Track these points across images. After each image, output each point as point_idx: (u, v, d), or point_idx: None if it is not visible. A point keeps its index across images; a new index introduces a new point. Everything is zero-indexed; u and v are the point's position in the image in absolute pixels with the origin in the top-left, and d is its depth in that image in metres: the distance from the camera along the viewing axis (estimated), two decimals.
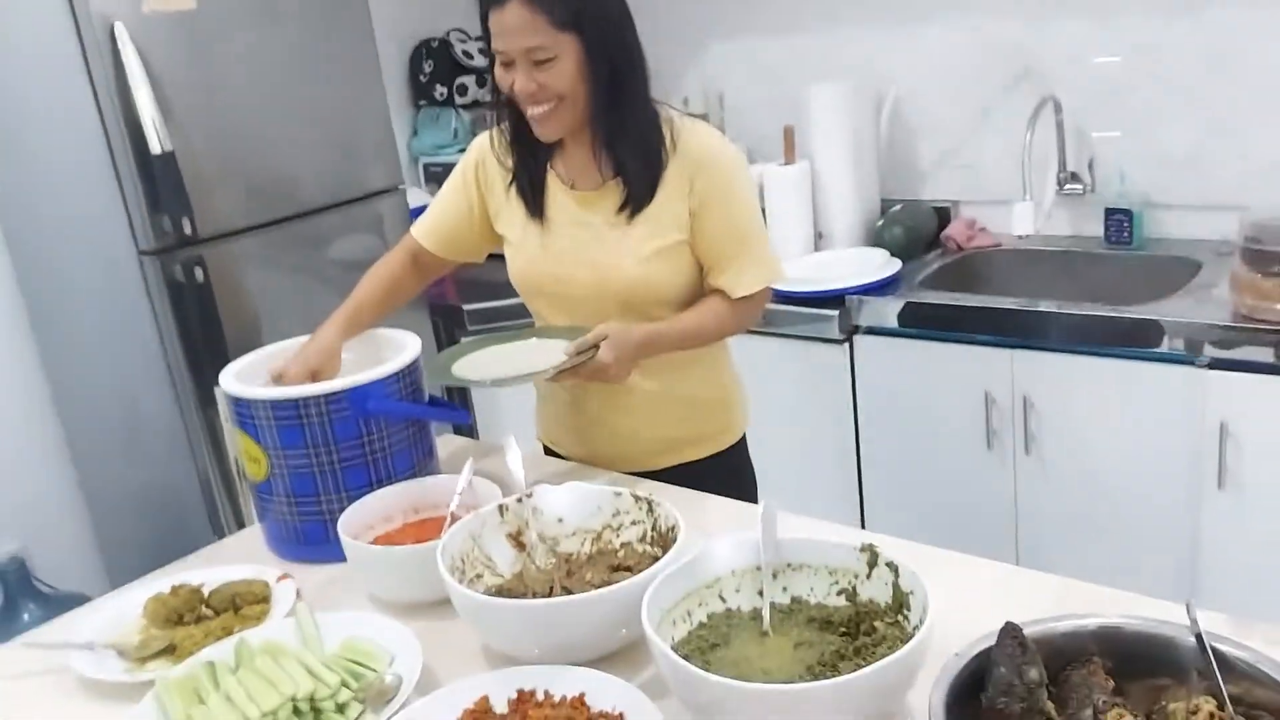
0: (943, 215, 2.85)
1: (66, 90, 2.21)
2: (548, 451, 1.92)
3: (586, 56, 1.56)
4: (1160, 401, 2.12)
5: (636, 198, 1.64)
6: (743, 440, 1.86)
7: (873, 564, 1.22)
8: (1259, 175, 2.41)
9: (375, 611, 1.43)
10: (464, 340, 1.74)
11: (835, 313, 2.48)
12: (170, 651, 1.39)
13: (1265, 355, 1.98)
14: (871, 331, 2.48)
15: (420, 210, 3.12)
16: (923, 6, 2.78)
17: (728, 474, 1.80)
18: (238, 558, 1.63)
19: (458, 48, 3.40)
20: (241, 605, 1.46)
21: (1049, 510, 2.34)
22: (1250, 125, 2.41)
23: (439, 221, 1.84)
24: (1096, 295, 2.50)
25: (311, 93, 2.53)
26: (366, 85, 2.65)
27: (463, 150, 3.31)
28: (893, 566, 1.20)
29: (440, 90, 3.37)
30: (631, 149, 1.63)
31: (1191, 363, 2.07)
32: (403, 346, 1.70)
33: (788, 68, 3.02)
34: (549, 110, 1.59)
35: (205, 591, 1.49)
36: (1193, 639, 1.01)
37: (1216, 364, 2.03)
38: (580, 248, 1.68)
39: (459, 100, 3.39)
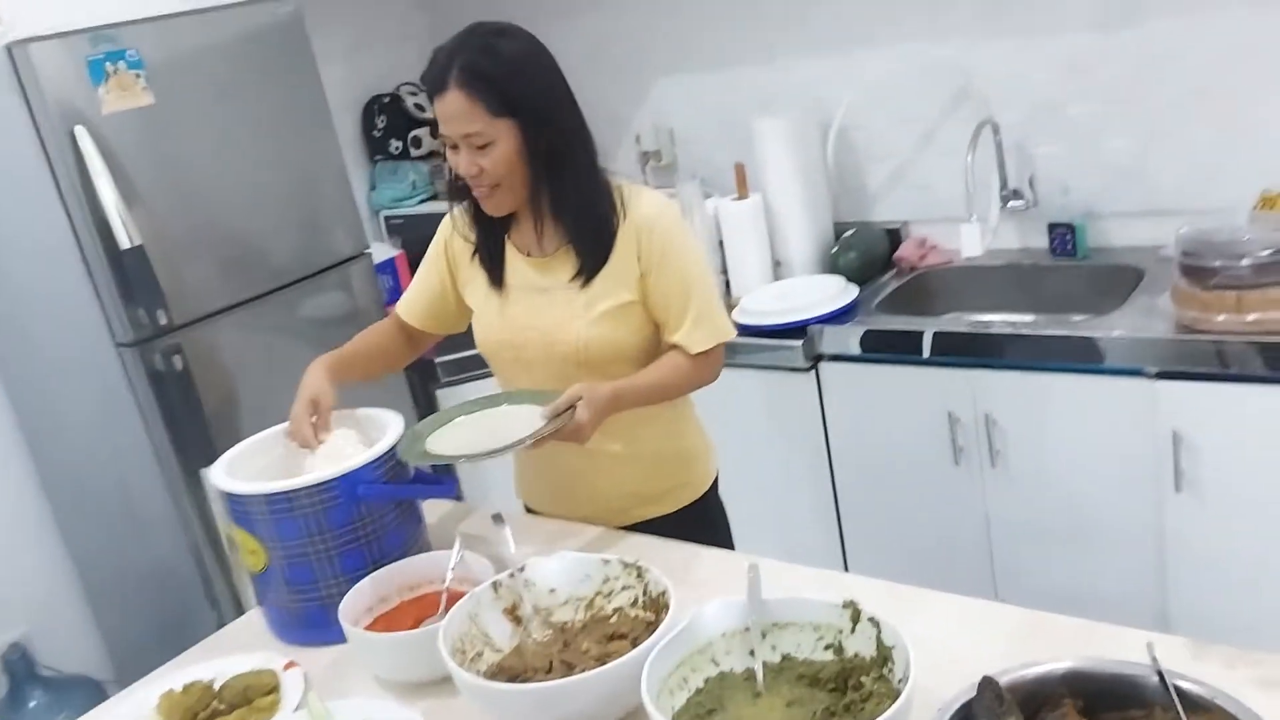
0: (894, 236, 2.93)
1: (33, 196, 2.25)
2: (528, 510, 1.99)
3: (524, 140, 1.64)
4: (1114, 412, 2.21)
5: (588, 265, 1.72)
6: (713, 488, 1.92)
7: (856, 619, 1.29)
8: (1198, 178, 2.50)
9: (382, 693, 1.48)
10: (434, 415, 1.77)
11: (799, 342, 2.55)
12: None
13: (1210, 364, 2.07)
14: (836, 358, 2.55)
15: (387, 264, 3.18)
16: (859, 34, 2.86)
17: (701, 524, 1.86)
18: (242, 644, 1.67)
19: (409, 101, 3.45)
20: (254, 697, 1.50)
21: (1018, 521, 2.42)
22: (1186, 130, 2.49)
23: (417, 297, 1.93)
24: (1045, 306, 2.60)
25: (271, 167, 2.57)
26: (324, 153, 2.69)
27: (423, 200, 3.42)
28: (874, 622, 1.27)
29: (395, 144, 3.41)
30: (578, 219, 1.71)
31: (1141, 374, 2.16)
32: (385, 425, 1.74)
33: (733, 100, 3.09)
34: (489, 190, 1.68)
35: (216, 686, 1.52)
36: (1155, 676, 1.09)
37: (1165, 375, 2.12)
38: (534, 312, 1.77)
39: (414, 152, 3.43)
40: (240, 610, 2.42)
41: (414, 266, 3.28)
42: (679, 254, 1.73)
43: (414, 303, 1.94)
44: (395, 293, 3.19)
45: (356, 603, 1.57)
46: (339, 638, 1.57)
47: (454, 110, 1.62)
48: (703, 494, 1.89)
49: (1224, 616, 2.17)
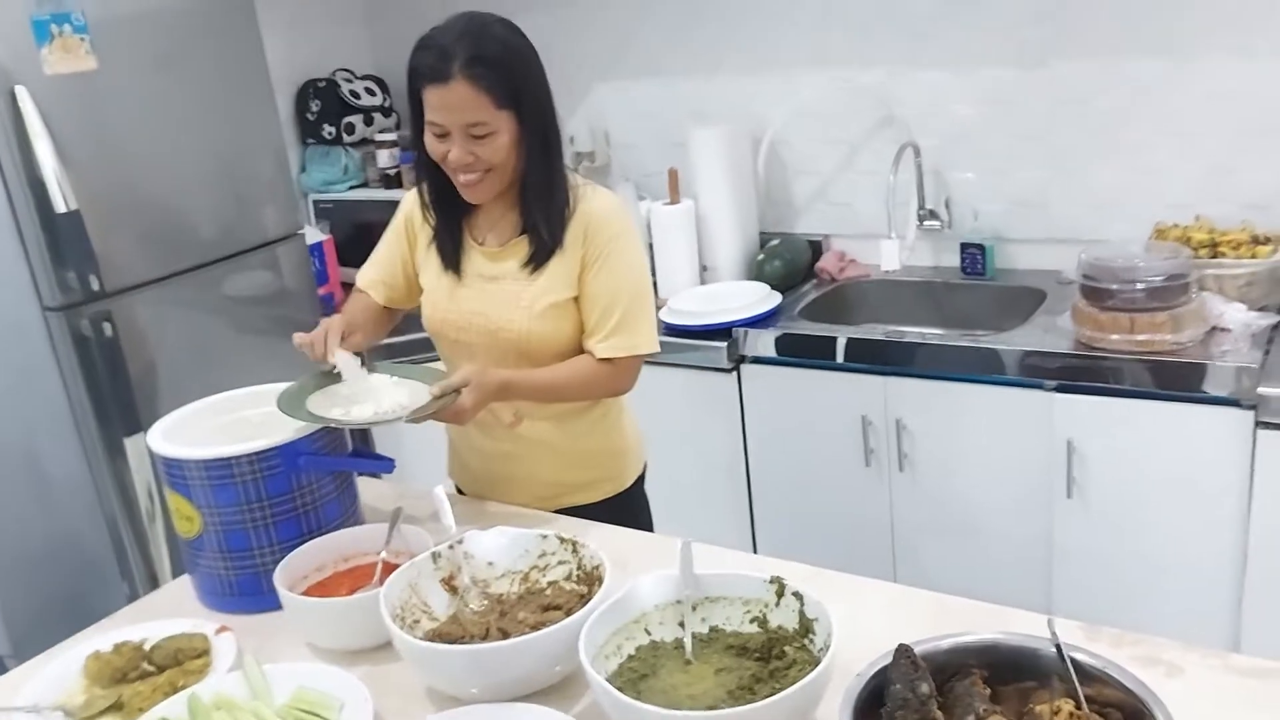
0: (816, 248, 3.05)
1: None
2: (460, 491, 2.03)
3: (521, 131, 1.68)
4: (1015, 421, 2.36)
5: (539, 253, 1.76)
6: (638, 481, 1.98)
7: (780, 594, 1.37)
8: (1095, 211, 2.69)
9: (317, 660, 1.50)
10: (321, 373, 1.77)
11: (724, 344, 2.64)
12: (118, 709, 1.42)
13: (1104, 380, 2.23)
14: (757, 361, 2.65)
15: (315, 248, 3.17)
16: (793, 56, 2.97)
17: (624, 515, 1.91)
18: (168, 611, 1.66)
19: (344, 87, 3.45)
20: (184, 659, 1.50)
21: (921, 521, 2.56)
22: (1088, 167, 2.68)
23: (378, 271, 1.95)
24: (955, 321, 2.74)
25: (211, 140, 2.56)
26: (263, 130, 2.69)
27: (353, 186, 3.42)
28: (799, 596, 1.35)
29: (328, 130, 3.41)
30: (537, 207, 1.75)
31: (1040, 387, 2.31)
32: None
33: (668, 108, 3.18)
34: (479, 178, 1.70)
35: (147, 647, 1.51)
36: (1054, 649, 1.20)
37: (1063, 388, 2.28)
38: (482, 299, 1.80)
39: (347, 139, 3.43)
40: (155, 584, 2.40)
41: (341, 251, 3.34)
42: (617, 259, 1.76)
43: (374, 276, 1.95)
44: (322, 276, 3.20)
45: (292, 570, 1.59)
46: (271, 606, 1.59)
47: (458, 100, 1.63)
48: (628, 487, 1.95)
49: (1103, 612, 2.32)
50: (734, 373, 2.68)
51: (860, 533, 2.62)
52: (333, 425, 1.66)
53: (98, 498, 2.41)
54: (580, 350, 1.81)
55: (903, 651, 1.19)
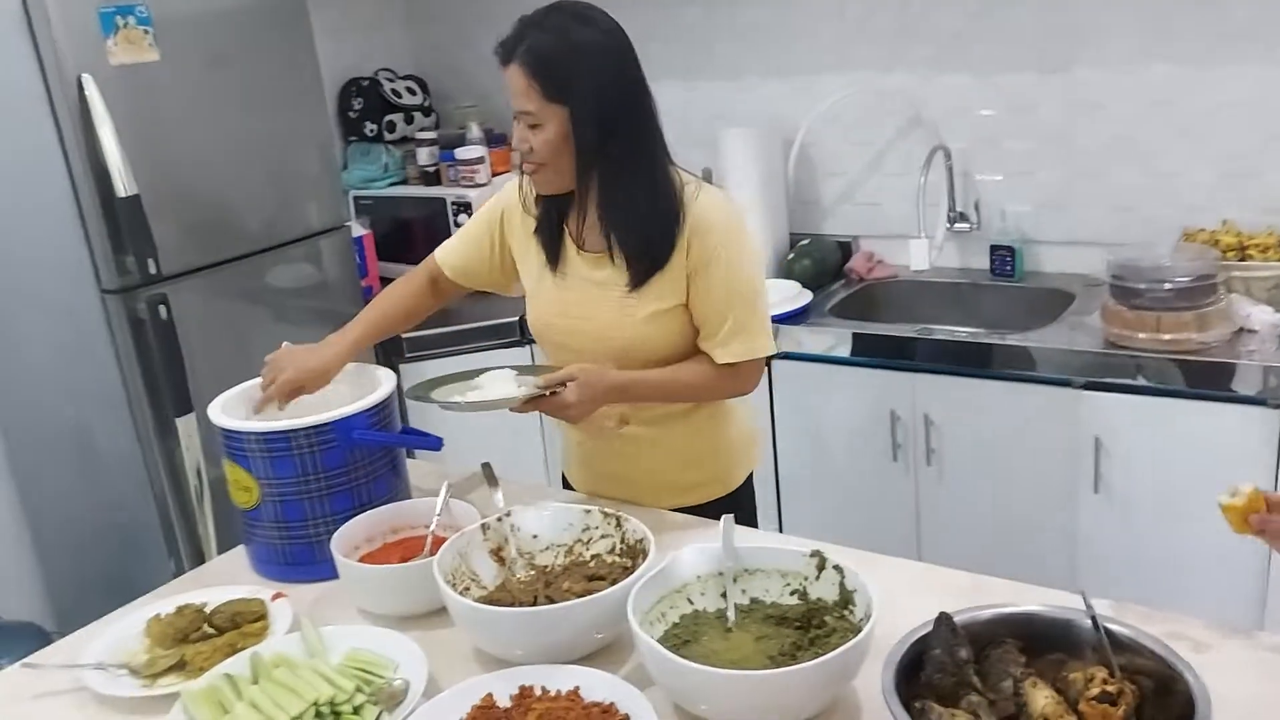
0: (845, 249, 3.09)
1: (33, 137, 2.29)
2: (565, 484, 2.02)
3: (573, 128, 1.62)
4: (1043, 418, 2.40)
5: (637, 273, 1.69)
6: (747, 482, 1.94)
7: (821, 567, 1.42)
8: (1117, 214, 2.73)
9: (368, 625, 1.54)
10: (456, 373, 1.81)
11: None
12: (180, 668, 1.47)
13: (1131, 378, 2.27)
14: (788, 357, 2.70)
15: (355, 242, 3.24)
16: (821, 62, 3.02)
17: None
18: (224, 580, 1.72)
19: (386, 87, 3.52)
20: (242, 623, 1.55)
21: (947, 515, 2.60)
22: (1111, 170, 2.72)
23: (461, 251, 1.92)
24: (984, 322, 2.78)
25: (263, 134, 2.63)
26: (313, 127, 2.76)
27: (393, 184, 3.49)
28: (839, 569, 1.40)
29: (370, 127, 3.48)
30: (630, 224, 1.68)
31: (1069, 384, 2.36)
32: (377, 380, 1.83)
33: (694, 112, 3.22)
34: (535, 169, 1.69)
35: (208, 610, 1.57)
36: (1088, 621, 1.23)
37: (1090, 385, 2.32)
38: (588, 304, 1.75)
39: (388, 136, 3.51)
40: (200, 561, 2.46)
41: (380, 246, 3.41)
42: (727, 261, 1.67)
43: (456, 256, 1.92)
44: (362, 270, 3.27)
45: (345, 540, 1.64)
46: (322, 575, 1.66)
47: (514, 86, 1.62)
48: (734, 490, 1.90)
49: (1131, 604, 2.36)
50: (765, 369, 2.73)
51: (887, 526, 2.66)
52: (446, 407, 1.69)
53: (148, 476, 2.48)
54: (682, 355, 1.75)
55: (943, 619, 1.24)
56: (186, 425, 2.38)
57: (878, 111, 2.99)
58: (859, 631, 1.29)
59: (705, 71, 3.22)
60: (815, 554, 1.43)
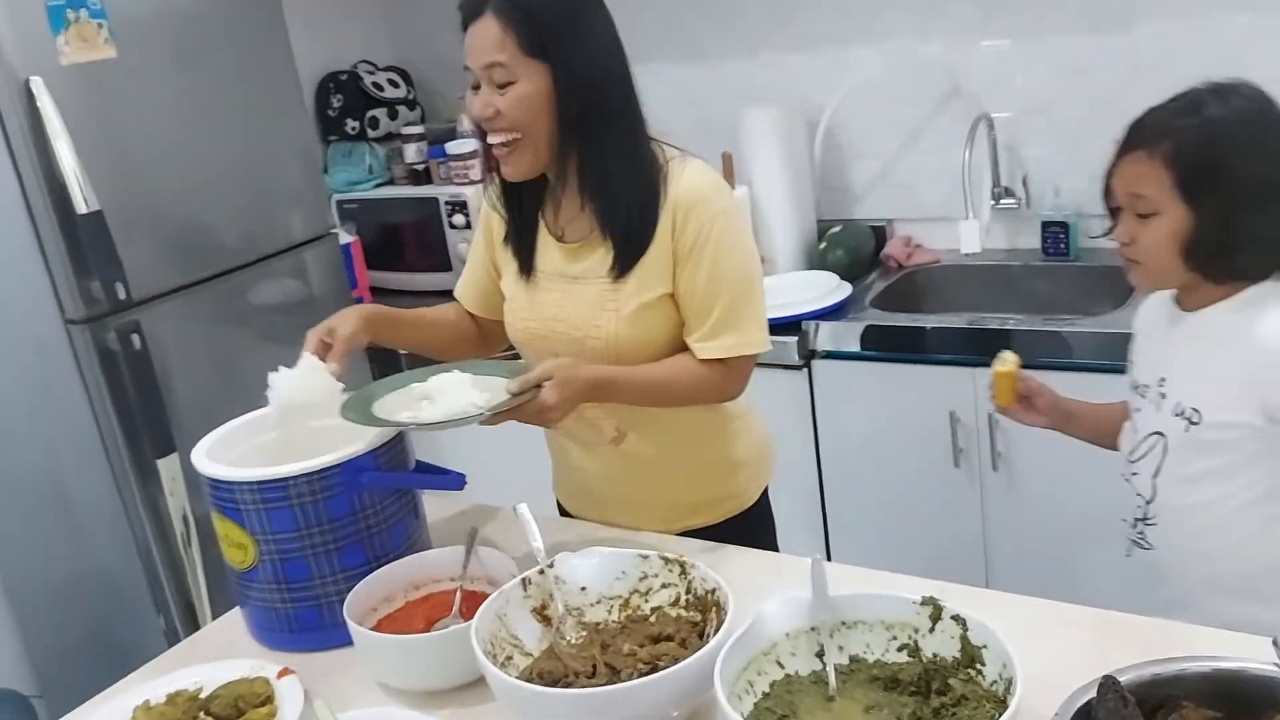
0: (879, 234, 2.89)
1: None
2: (562, 512, 1.84)
3: (554, 90, 1.47)
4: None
5: (622, 258, 1.55)
6: (762, 497, 1.79)
7: (936, 618, 1.20)
8: None
9: (392, 702, 1.35)
10: (390, 378, 1.59)
11: (793, 339, 2.47)
12: None
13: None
14: (830, 356, 2.49)
15: (345, 250, 3.01)
16: (847, 33, 2.81)
17: (745, 536, 1.69)
18: (220, 651, 1.51)
19: (367, 79, 3.29)
20: (246, 709, 1.34)
21: (1019, 527, 2.39)
22: None
23: (469, 278, 1.79)
24: (1038, 306, 2.57)
25: (237, 136, 2.41)
26: (292, 127, 2.55)
27: (379, 185, 3.26)
28: (959, 620, 1.18)
29: (351, 125, 3.24)
30: (617, 202, 1.53)
31: None
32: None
33: (713, 93, 3.01)
34: (508, 144, 1.51)
35: (203, 696, 1.36)
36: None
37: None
38: (564, 303, 1.61)
39: (372, 134, 3.27)
40: (191, 615, 2.25)
41: (370, 254, 3.18)
42: (716, 244, 1.53)
43: (466, 285, 1.79)
44: (351, 281, 3.03)
45: (360, 601, 1.43)
46: (335, 642, 1.45)
47: (484, 39, 1.46)
48: (749, 507, 1.75)
49: (1038, 585, 2.14)
50: (804, 369, 2.51)
51: (948, 541, 2.44)
52: (401, 428, 1.48)
53: (129, 524, 2.25)
54: (671, 353, 1.61)
55: (1110, 685, 1.02)
56: (169, 466, 2.16)
57: (912, 83, 2.77)
58: (996, 699, 1.09)
59: (721, 47, 3.00)
60: (928, 601, 1.21)
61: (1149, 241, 1.39)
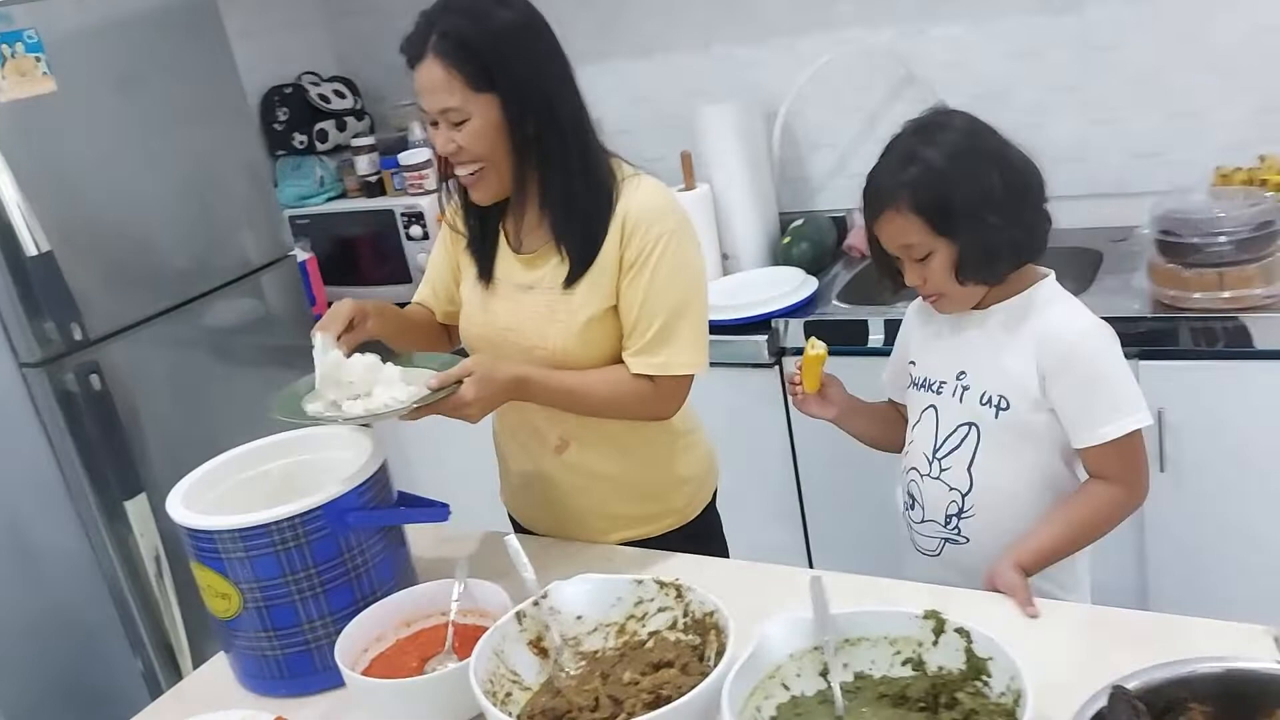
0: (840, 225, 2.87)
1: None
2: (513, 522, 1.85)
3: (505, 118, 1.49)
4: None
5: (576, 265, 1.57)
6: (708, 508, 1.81)
7: (939, 631, 1.20)
8: (1139, 161, 2.53)
9: None
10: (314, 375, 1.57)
11: (763, 337, 2.45)
12: None
13: (1191, 343, 2.07)
14: (800, 352, 2.46)
15: (301, 268, 2.94)
16: (796, 23, 2.79)
17: (689, 546, 1.71)
18: (210, 700, 1.48)
19: (312, 92, 3.21)
20: None
21: None
22: (1127, 114, 2.53)
23: (431, 281, 1.80)
24: None
25: (185, 160, 2.34)
26: (241, 145, 2.48)
27: (331, 198, 3.18)
28: (963, 632, 1.18)
29: (299, 138, 3.17)
30: (571, 213, 1.56)
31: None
32: (360, 447, 1.57)
33: (666, 88, 2.99)
34: (475, 173, 1.54)
35: None
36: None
37: (1146, 355, 2.11)
38: (515, 312, 1.64)
39: (320, 147, 3.19)
40: (170, 657, 2.18)
41: (325, 270, 3.10)
42: (659, 261, 1.54)
43: (429, 289, 1.80)
44: (311, 298, 2.96)
45: (352, 642, 1.39)
46: (326, 685, 1.43)
47: (430, 81, 1.48)
48: (693, 519, 1.77)
49: (1201, 597, 2.17)
50: (775, 367, 2.49)
51: None
52: (321, 423, 1.47)
53: (99, 570, 2.18)
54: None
55: (1121, 696, 1.03)
56: (137, 508, 2.09)
57: (866, 73, 2.75)
58: (1005, 712, 1.09)
59: (671, 41, 2.97)
60: (931, 615, 1.20)
61: (936, 278, 1.50)
